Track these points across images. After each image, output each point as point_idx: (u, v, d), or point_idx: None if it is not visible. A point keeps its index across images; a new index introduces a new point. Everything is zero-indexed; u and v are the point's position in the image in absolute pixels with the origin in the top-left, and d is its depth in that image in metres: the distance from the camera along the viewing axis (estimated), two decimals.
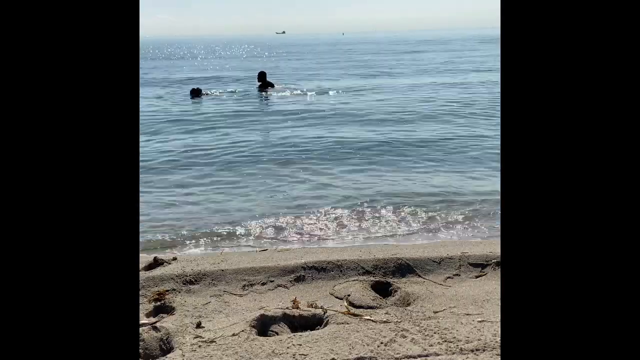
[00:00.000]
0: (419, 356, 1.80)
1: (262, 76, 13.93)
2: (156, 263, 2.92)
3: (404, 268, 2.71)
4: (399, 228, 4.15)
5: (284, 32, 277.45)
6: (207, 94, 13.18)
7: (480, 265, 2.73)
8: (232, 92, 13.71)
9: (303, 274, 2.65)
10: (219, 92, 13.58)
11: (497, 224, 4.09)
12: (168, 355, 1.90)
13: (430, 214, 4.43)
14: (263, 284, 2.58)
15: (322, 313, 2.18)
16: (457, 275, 2.65)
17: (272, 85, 13.78)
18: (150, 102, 12.09)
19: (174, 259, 2.96)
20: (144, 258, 2.95)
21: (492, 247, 3.02)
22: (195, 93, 12.92)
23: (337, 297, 2.38)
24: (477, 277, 2.63)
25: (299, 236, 3.97)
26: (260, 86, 13.85)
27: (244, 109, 10.84)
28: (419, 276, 2.65)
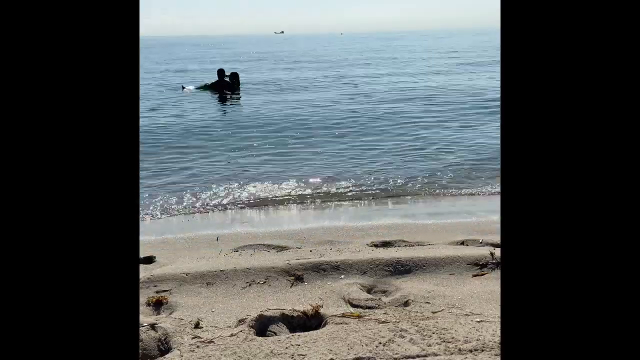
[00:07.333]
0: (418, 356, 1.80)
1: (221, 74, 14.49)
2: (154, 262, 2.92)
3: (403, 268, 2.71)
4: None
5: (282, 32, 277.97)
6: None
7: (479, 265, 2.73)
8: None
9: (302, 274, 2.65)
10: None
11: None
12: (166, 356, 1.90)
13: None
14: (261, 284, 2.58)
15: (321, 313, 2.18)
16: (456, 275, 2.65)
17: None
18: None
19: (172, 259, 2.96)
20: (142, 257, 2.95)
21: (492, 247, 3.02)
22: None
23: (335, 297, 2.38)
24: (476, 276, 2.63)
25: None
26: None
27: None
28: (418, 276, 2.65)
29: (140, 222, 3.61)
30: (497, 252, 2.78)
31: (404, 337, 1.93)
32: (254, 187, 5.41)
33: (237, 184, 5.53)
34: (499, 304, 1.79)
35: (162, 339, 2.01)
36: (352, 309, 2.22)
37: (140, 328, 2.05)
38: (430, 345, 1.86)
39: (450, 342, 1.87)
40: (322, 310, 2.20)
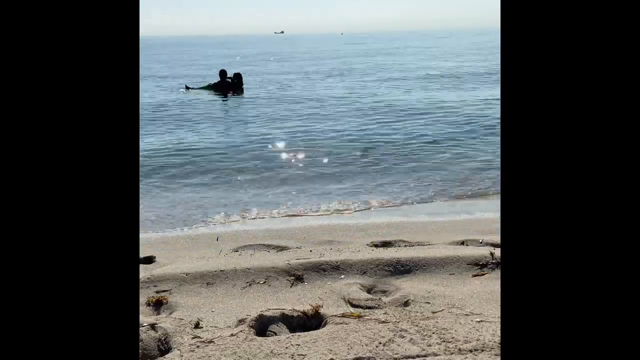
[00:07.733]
0: (418, 356, 1.80)
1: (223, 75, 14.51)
2: (154, 262, 2.92)
3: (403, 268, 2.71)
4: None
5: (282, 32, 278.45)
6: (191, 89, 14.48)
7: (479, 265, 2.73)
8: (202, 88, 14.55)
9: (302, 274, 2.65)
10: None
11: None
12: (166, 356, 1.90)
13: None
14: (261, 284, 2.58)
15: (321, 313, 2.18)
16: (456, 275, 2.65)
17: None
18: None
19: (172, 259, 2.96)
20: (142, 257, 2.95)
21: (492, 247, 3.02)
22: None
23: (335, 297, 2.38)
24: (476, 276, 2.63)
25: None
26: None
27: None
28: (418, 276, 2.65)
29: (140, 222, 3.60)
30: (497, 252, 2.78)
31: (404, 337, 1.93)
32: (255, 189, 5.42)
33: (237, 185, 5.54)
34: (499, 304, 1.79)
35: (162, 339, 2.01)
36: (352, 309, 2.22)
37: (140, 328, 2.05)
38: (430, 345, 1.86)
39: (450, 342, 1.87)
40: (322, 310, 2.20)
